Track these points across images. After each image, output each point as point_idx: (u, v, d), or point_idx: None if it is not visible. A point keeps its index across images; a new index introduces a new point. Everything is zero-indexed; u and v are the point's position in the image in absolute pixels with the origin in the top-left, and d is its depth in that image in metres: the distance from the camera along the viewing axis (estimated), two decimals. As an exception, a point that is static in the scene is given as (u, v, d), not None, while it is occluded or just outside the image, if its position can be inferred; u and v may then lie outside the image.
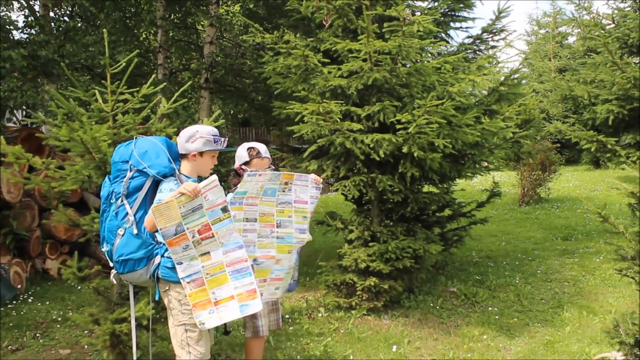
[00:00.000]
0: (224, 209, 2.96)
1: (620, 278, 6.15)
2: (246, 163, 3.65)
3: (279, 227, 3.49)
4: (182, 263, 2.95)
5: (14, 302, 5.96)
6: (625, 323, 3.71)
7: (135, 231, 3.02)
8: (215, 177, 2.92)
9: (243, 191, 3.29)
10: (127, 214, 3.05)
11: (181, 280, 2.97)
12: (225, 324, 3.36)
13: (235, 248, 3.01)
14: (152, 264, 3.08)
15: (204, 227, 2.92)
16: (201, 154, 3.19)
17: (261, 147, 3.71)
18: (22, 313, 5.66)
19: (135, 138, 3.23)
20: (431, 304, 5.77)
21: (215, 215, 2.93)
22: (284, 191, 3.49)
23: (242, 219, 3.34)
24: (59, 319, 5.50)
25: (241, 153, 3.70)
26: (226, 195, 3.09)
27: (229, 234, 2.99)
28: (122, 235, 3.03)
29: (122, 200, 3.07)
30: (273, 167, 3.74)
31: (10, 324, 5.33)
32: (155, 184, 3.10)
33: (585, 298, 6.01)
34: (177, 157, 3.25)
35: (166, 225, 2.84)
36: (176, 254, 2.92)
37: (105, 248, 3.13)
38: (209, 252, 2.97)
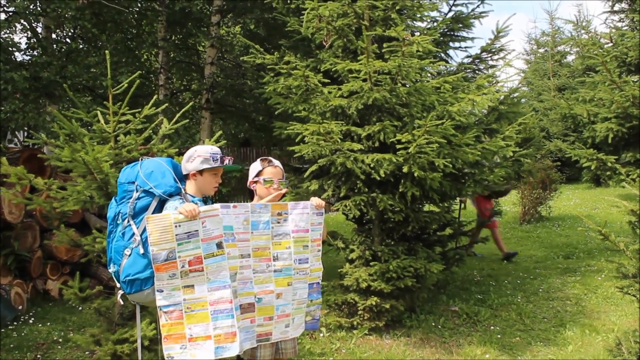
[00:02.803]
0: (219, 245, 2.91)
1: (622, 296, 6.13)
2: (259, 173, 3.51)
3: (276, 260, 3.26)
4: (162, 291, 2.89)
5: (15, 323, 5.94)
6: (628, 341, 3.71)
7: (141, 251, 3.02)
8: (218, 206, 2.92)
9: (228, 226, 3.04)
10: (133, 234, 3.06)
11: (158, 309, 2.93)
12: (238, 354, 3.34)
13: (221, 287, 2.91)
14: None
15: (195, 258, 2.87)
16: (201, 172, 3.22)
17: (273, 159, 3.60)
18: (23, 334, 5.64)
19: (141, 159, 3.26)
20: (433, 324, 5.75)
21: (209, 249, 2.89)
22: (278, 222, 3.27)
23: (238, 255, 3.11)
24: (60, 340, 5.47)
25: (254, 166, 3.58)
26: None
27: (218, 271, 2.92)
28: (129, 255, 3.04)
29: (128, 221, 3.08)
30: (287, 180, 3.65)
31: (11, 345, 5.31)
32: (161, 205, 3.12)
33: (587, 316, 5.99)
34: (183, 177, 3.29)
35: (159, 245, 2.81)
36: (160, 280, 2.87)
37: (112, 269, 3.14)
38: (193, 286, 2.89)
